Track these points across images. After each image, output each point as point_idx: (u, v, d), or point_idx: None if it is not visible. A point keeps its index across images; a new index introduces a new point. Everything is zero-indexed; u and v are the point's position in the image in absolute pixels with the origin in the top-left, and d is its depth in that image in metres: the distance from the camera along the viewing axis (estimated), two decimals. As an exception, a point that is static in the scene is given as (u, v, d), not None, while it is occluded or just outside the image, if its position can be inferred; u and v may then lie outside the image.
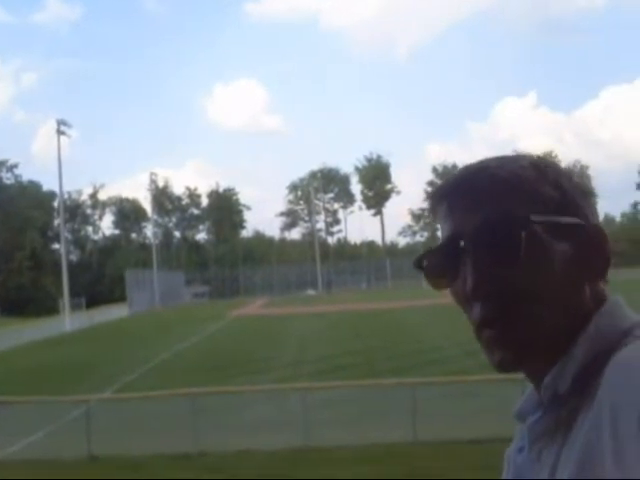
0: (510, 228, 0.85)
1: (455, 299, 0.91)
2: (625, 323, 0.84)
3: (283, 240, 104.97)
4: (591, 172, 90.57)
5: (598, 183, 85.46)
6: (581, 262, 0.87)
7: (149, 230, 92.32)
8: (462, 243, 0.87)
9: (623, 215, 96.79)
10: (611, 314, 0.85)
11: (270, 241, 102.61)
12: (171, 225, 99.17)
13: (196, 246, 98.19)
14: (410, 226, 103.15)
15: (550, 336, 0.85)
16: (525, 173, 0.89)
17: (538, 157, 0.94)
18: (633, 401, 0.71)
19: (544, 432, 0.86)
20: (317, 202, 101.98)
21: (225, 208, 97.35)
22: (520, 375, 0.91)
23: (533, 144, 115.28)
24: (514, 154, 0.95)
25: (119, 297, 64.25)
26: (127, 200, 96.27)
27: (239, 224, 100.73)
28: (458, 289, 0.89)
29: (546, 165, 0.92)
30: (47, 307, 67.30)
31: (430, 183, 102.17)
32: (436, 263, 0.92)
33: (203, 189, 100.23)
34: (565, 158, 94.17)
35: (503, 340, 0.85)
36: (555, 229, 0.86)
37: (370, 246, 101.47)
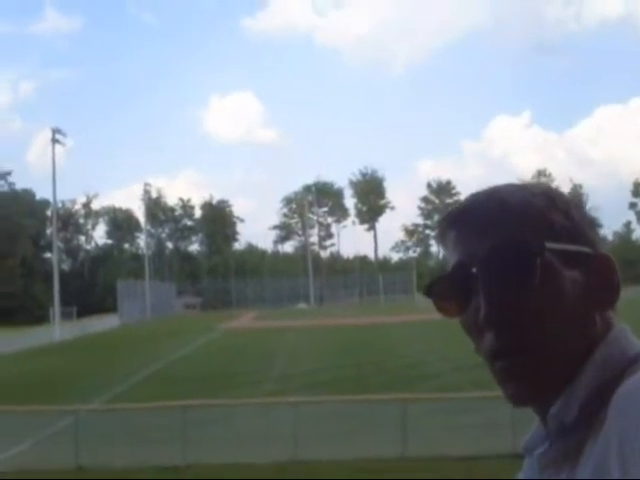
0: (525, 255, 0.84)
1: (464, 329, 0.90)
2: (631, 351, 0.83)
3: (276, 253, 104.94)
4: (584, 191, 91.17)
5: (590, 202, 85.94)
6: (591, 291, 0.86)
7: (142, 240, 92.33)
8: (474, 270, 0.86)
9: (615, 234, 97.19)
10: (617, 342, 0.85)
11: (263, 254, 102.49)
12: (164, 236, 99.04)
13: (188, 257, 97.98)
14: (403, 241, 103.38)
15: (562, 365, 0.84)
16: (537, 201, 0.90)
17: (547, 186, 0.95)
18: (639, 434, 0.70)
19: (552, 463, 0.84)
20: (311, 216, 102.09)
21: (218, 220, 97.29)
22: None
23: (526, 162, 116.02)
24: (523, 182, 0.96)
25: (110, 307, 64.05)
26: (120, 210, 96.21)
27: (232, 236, 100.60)
28: (468, 318, 0.88)
29: (556, 194, 0.93)
30: (37, 316, 66.96)
31: (424, 199, 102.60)
32: (446, 290, 0.91)
33: (197, 200, 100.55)
34: (557, 176, 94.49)
35: (517, 372, 0.84)
36: (567, 257, 0.86)
37: (363, 261, 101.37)
